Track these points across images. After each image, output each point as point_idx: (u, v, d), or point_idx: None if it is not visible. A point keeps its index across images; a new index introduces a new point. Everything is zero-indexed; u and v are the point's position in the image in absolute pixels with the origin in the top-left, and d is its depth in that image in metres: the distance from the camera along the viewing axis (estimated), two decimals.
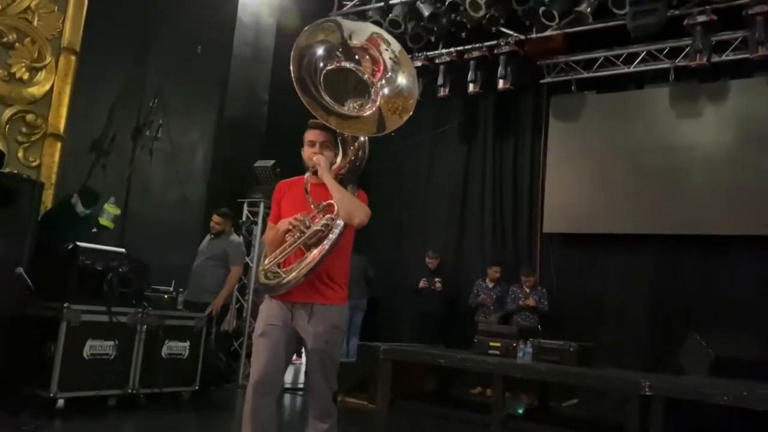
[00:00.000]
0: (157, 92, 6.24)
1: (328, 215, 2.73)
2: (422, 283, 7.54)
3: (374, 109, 2.82)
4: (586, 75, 7.51)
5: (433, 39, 7.71)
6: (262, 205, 6.93)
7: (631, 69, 7.26)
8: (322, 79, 2.81)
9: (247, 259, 6.75)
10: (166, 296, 5.48)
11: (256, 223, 6.97)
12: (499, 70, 7.43)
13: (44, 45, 5.75)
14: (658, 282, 7.03)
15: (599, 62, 7.45)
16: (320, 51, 2.81)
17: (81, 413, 4.59)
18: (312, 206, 2.77)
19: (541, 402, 6.27)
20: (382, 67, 2.89)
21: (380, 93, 2.83)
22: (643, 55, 7.17)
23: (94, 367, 4.79)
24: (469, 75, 7.62)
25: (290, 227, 2.74)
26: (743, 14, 6.27)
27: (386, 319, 8.24)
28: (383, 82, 2.86)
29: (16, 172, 5.25)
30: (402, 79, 2.87)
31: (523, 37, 7.42)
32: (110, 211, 5.62)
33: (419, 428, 5.44)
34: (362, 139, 2.96)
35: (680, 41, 6.83)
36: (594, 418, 6.20)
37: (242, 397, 6.28)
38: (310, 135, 2.87)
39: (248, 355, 6.80)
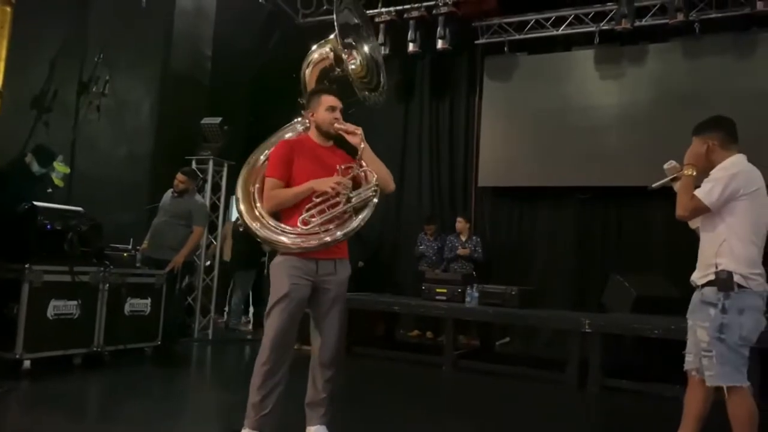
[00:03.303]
0: (101, 47, 6.03)
1: (375, 182, 2.94)
2: None
3: None
4: (518, 37, 7.91)
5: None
6: (211, 162, 6.95)
7: (560, 32, 7.72)
8: None
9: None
10: (125, 254, 5.48)
11: (205, 180, 6.97)
12: (438, 30, 7.70)
13: None
14: (581, 230, 7.68)
15: (530, 25, 7.85)
16: None
17: (47, 373, 4.58)
18: (339, 170, 2.95)
19: (482, 342, 6.82)
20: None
21: None
22: (570, 18, 7.64)
23: (59, 327, 4.78)
24: (409, 35, 7.84)
25: (333, 192, 2.85)
26: None
27: None
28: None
29: None
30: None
31: None
32: (60, 169, 5.48)
33: (376, 370, 5.78)
34: None
35: (605, 6, 7.39)
36: (530, 353, 6.81)
37: (199, 350, 6.47)
38: (331, 101, 3.02)
39: (202, 311, 6.92)
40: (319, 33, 8.01)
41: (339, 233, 2.86)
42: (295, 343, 3.00)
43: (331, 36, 3.40)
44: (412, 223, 8.29)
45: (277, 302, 2.88)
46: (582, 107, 7.60)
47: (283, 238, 2.89)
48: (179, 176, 5.87)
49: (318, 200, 2.89)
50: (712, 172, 2.92)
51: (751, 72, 6.78)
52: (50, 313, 4.74)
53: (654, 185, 3.24)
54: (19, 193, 4.94)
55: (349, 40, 3.43)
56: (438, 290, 6.32)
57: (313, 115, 3.06)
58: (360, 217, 2.89)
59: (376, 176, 2.96)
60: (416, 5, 7.85)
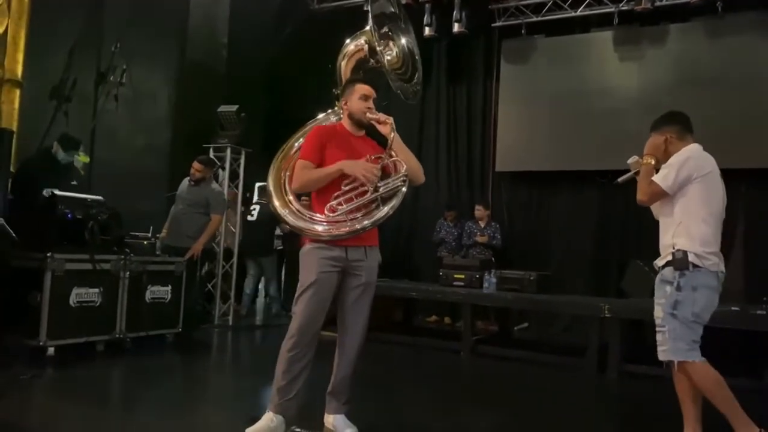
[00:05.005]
0: (117, 36, 6.06)
1: (404, 172, 2.93)
2: None
3: None
4: (535, 19, 7.78)
5: None
6: (228, 150, 6.97)
7: (578, 13, 7.59)
8: None
9: None
10: (145, 242, 5.53)
11: (223, 168, 7.00)
12: (454, 13, 7.61)
13: None
14: (600, 214, 7.60)
15: (548, 6, 7.72)
16: None
17: (71, 360, 4.65)
18: (368, 159, 2.94)
19: (501, 328, 6.81)
20: None
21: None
22: None
23: (81, 314, 4.86)
24: (425, 18, 7.75)
25: (363, 179, 2.85)
26: None
27: None
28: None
29: None
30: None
31: None
32: (80, 159, 5.53)
33: (394, 356, 5.80)
34: None
35: None
36: (549, 339, 6.78)
37: (219, 336, 6.53)
38: (365, 90, 3.03)
39: (222, 297, 6.97)
40: (334, 20, 8.03)
41: (367, 222, 2.86)
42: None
43: (367, 27, 3.40)
44: (429, 208, 8.26)
45: (306, 290, 2.90)
46: (601, 90, 7.49)
47: (313, 226, 2.90)
48: (195, 165, 5.90)
49: (347, 188, 2.90)
50: (668, 160, 3.08)
51: None
52: (73, 300, 4.81)
53: (620, 179, 3.45)
54: (44, 183, 4.99)
55: (385, 30, 3.43)
56: (456, 276, 6.31)
57: (346, 104, 3.07)
58: (389, 206, 2.90)
59: (405, 166, 2.95)
60: None
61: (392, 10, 3.57)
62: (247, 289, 7.59)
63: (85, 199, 5.10)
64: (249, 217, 7.41)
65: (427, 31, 7.82)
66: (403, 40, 3.55)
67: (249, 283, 7.60)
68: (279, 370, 2.91)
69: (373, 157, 2.97)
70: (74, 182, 5.18)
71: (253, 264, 7.52)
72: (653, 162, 3.13)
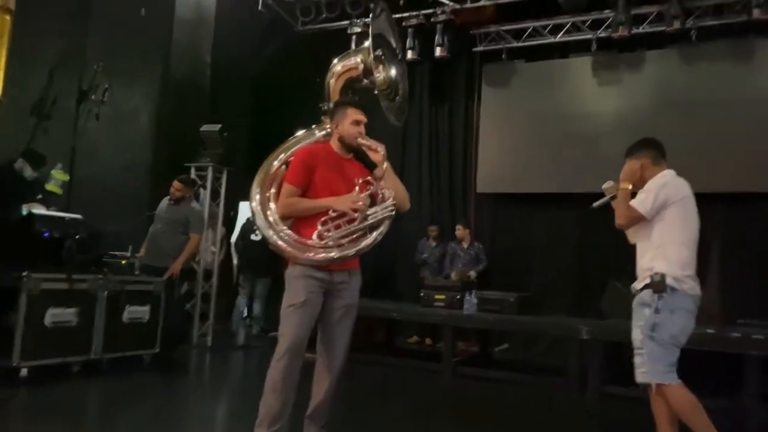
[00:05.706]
0: (100, 55, 6.06)
1: (392, 201, 2.95)
2: None
3: None
4: (516, 44, 7.92)
5: (371, 5, 7.84)
6: (210, 170, 6.95)
7: (557, 39, 7.74)
8: None
9: None
10: (123, 262, 5.47)
11: (204, 187, 6.97)
12: (436, 38, 7.71)
13: None
14: (580, 236, 7.66)
15: (528, 32, 7.86)
16: None
17: (45, 381, 4.56)
18: (357, 183, 2.96)
19: (481, 348, 6.81)
20: None
21: None
22: (568, 26, 7.65)
23: (57, 335, 4.76)
24: (408, 42, 7.83)
25: (351, 212, 2.86)
26: None
27: None
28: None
29: None
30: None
31: (458, 6, 7.69)
32: (58, 177, 5.49)
33: (375, 377, 5.77)
34: None
35: (602, 13, 7.35)
36: (529, 360, 6.80)
37: (197, 357, 6.45)
38: (358, 115, 3.03)
39: (201, 317, 6.90)
40: (319, 41, 8.06)
41: (351, 250, 2.86)
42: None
43: (365, 44, 3.42)
44: (411, 229, 8.26)
45: (294, 311, 2.87)
46: (580, 114, 7.61)
47: (294, 250, 2.89)
48: (175, 184, 5.88)
49: (334, 214, 2.89)
50: (645, 186, 3.16)
51: (748, 78, 6.79)
52: (48, 321, 4.71)
53: (595, 204, 3.50)
54: (10, 200, 4.93)
55: (379, 53, 3.45)
56: (437, 297, 6.31)
57: (337, 127, 3.06)
58: (375, 234, 2.90)
59: (392, 195, 2.96)
60: (414, 13, 7.85)
61: (391, 40, 3.62)
62: (240, 306, 7.54)
63: (63, 217, 5.05)
64: (253, 236, 7.35)
65: (409, 54, 7.88)
66: (393, 71, 3.58)
67: (241, 302, 7.54)
68: (270, 395, 2.85)
69: (361, 181, 2.97)
70: (40, 196, 5.12)
71: (247, 283, 7.47)
72: (630, 187, 3.19)
